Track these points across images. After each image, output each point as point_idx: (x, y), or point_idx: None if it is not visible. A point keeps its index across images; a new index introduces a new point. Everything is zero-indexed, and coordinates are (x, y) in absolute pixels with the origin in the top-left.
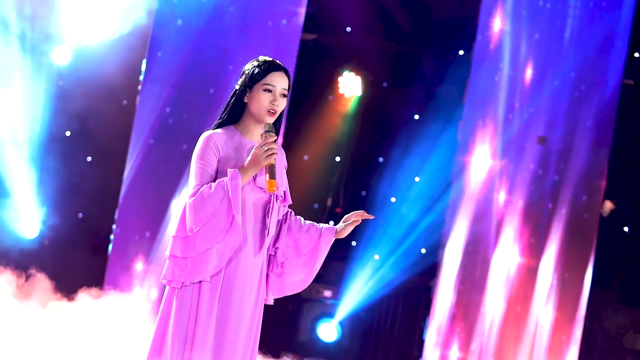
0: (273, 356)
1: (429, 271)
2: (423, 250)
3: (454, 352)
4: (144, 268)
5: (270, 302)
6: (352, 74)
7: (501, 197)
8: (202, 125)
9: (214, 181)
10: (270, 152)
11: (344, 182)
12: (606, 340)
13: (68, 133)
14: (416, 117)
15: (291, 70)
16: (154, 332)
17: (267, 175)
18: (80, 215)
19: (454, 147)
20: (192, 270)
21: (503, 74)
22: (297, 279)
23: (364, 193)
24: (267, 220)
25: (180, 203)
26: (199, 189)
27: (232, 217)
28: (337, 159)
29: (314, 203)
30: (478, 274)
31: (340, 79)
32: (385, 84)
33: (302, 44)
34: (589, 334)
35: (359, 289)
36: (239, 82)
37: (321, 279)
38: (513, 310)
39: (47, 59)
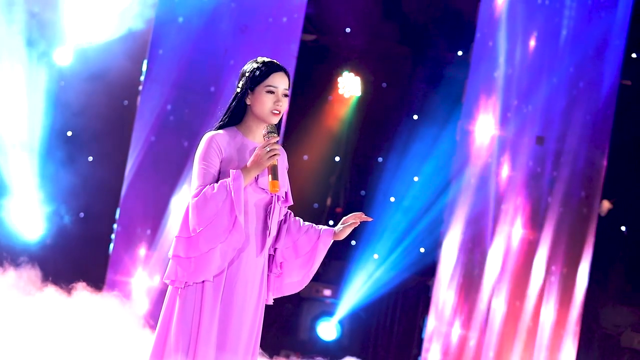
0: (273, 354)
1: (427, 270)
2: (422, 250)
3: (453, 351)
4: (144, 266)
5: (270, 302)
6: (352, 74)
7: (498, 196)
8: (203, 122)
9: (217, 182)
10: (273, 153)
11: (344, 181)
12: (604, 338)
13: (69, 133)
14: (415, 117)
15: (291, 71)
16: (157, 331)
17: (270, 176)
18: (82, 214)
19: (452, 147)
20: (195, 270)
21: (501, 73)
22: (294, 279)
23: (363, 193)
24: (269, 220)
25: (179, 200)
26: (201, 190)
27: (234, 217)
28: (337, 158)
29: (314, 203)
30: (476, 273)
31: (339, 79)
32: (384, 85)
33: (302, 44)
34: (587, 332)
35: (359, 288)
36: (240, 85)
37: (321, 278)
38: (512, 307)
39: (48, 59)
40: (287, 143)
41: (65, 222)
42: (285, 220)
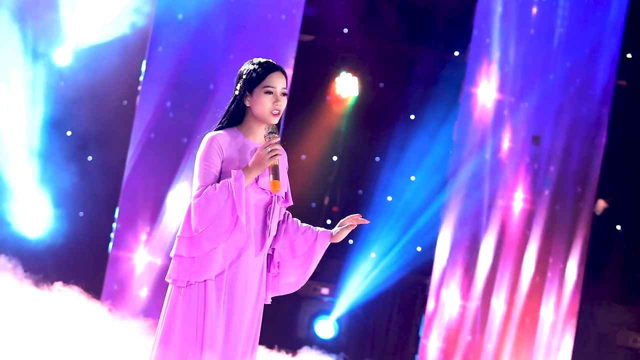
0: (271, 352)
1: (424, 269)
2: (419, 249)
3: (450, 349)
4: (145, 264)
5: (268, 301)
6: (349, 74)
7: (492, 195)
8: (203, 120)
9: (218, 182)
10: (274, 153)
11: (341, 181)
12: (599, 337)
13: (69, 133)
14: (412, 117)
15: (289, 71)
16: (162, 330)
17: (271, 175)
18: (82, 213)
19: (449, 146)
20: (197, 269)
21: (497, 72)
22: (291, 280)
23: (360, 192)
24: (269, 221)
25: (175, 196)
26: (203, 190)
27: (236, 217)
28: (335, 158)
29: (312, 202)
30: (472, 271)
31: (337, 79)
32: (381, 85)
33: (300, 45)
34: (582, 330)
35: (356, 286)
36: (238, 87)
37: (318, 277)
38: (509, 305)
39: (48, 59)
40: (285, 143)
41: (65, 221)
42: (284, 221)
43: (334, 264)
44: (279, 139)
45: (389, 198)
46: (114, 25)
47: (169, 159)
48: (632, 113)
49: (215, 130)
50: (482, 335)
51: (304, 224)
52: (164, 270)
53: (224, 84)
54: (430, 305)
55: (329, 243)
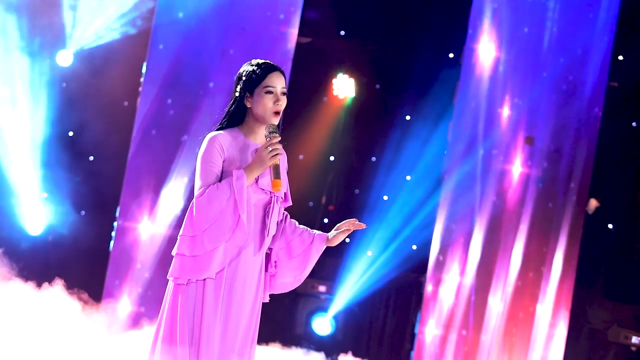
0: (270, 348)
1: (420, 267)
2: (414, 247)
3: (446, 346)
4: (146, 263)
5: (266, 299)
6: (346, 76)
7: (485, 194)
8: (203, 118)
9: (220, 181)
10: (275, 153)
11: (338, 180)
12: (591, 333)
13: (71, 133)
14: (407, 117)
15: (287, 73)
16: (161, 327)
17: (272, 175)
18: (83, 212)
19: (444, 147)
20: (199, 267)
21: (490, 73)
22: (287, 280)
23: (357, 191)
24: (267, 220)
25: (169, 192)
26: (205, 189)
27: (238, 216)
28: (332, 158)
29: (309, 201)
30: (468, 270)
31: (334, 81)
32: (377, 86)
33: (298, 47)
34: (575, 327)
35: (353, 284)
36: (238, 88)
37: (316, 275)
38: (502, 303)
39: (51, 61)
40: (284, 143)
41: (67, 219)
42: (282, 221)
43: (331, 263)
44: (279, 138)
45: (385, 197)
46: (116, 25)
47: (169, 156)
48: (623, 113)
49: (216, 130)
50: (477, 330)
51: (302, 226)
52: (164, 268)
53: (223, 82)
54: (425, 302)
55: (325, 246)
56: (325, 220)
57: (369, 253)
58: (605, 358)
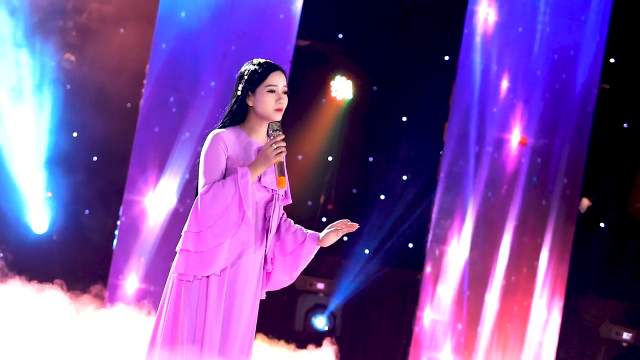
0: (270, 344)
1: (416, 264)
2: (410, 245)
3: (442, 341)
4: (147, 261)
5: (263, 296)
6: (344, 78)
7: (476, 193)
8: (204, 115)
9: (224, 178)
10: (280, 151)
11: (336, 180)
12: (583, 329)
13: (75, 134)
14: (404, 119)
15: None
16: (165, 323)
17: (277, 172)
18: (87, 211)
19: (439, 147)
20: (204, 264)
21: (484, 74)
22: (281, 278)
23: (354, 191)
24: (270, 218)
25: (177, 190)
26: (210, 186)
27: (243, 212)
28: (330, 158)
29: (308, 200)
30: (463, 267)
31: (332, 83)
32: (375, 88)
33: (297, 49)
34: (567, 323)
35: (350, 281)
36: (240, 88)
37: (315, 273)
38: (497, 300)
39: (55, 63)
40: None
41: (71, 218)
42: (280, 219)
43: (329, 261)
44: (283, 136)
45: (382, 196)
46: (118, 27)
47: (171, 153)
48: (614, 114)
49: (220, 127)
50: (472, 324)
51: (297, 225)
52: (163, 265)
53: (224, 80)
54: (421, 298)
55: (318, 247)
56: (324, 219)
57: (366, 251)
58: (597, 354)
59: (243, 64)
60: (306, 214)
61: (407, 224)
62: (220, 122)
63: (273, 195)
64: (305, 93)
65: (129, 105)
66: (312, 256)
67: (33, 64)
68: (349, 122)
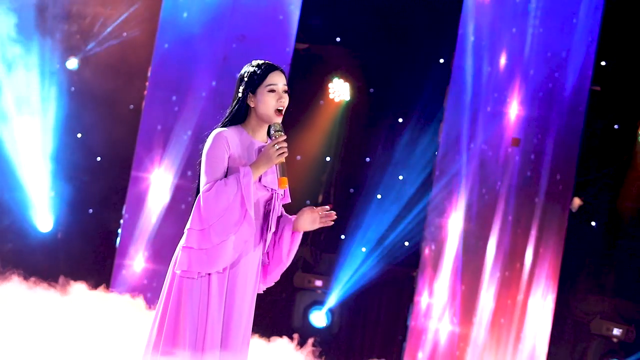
0: (268, 340)
1: (411, 262)
2: (406, 243)
3: (437, 337)
4: (148, 260)
5: (261, 290)
6: (341, 80)
7: (468, 189)
8: (206, 114)
9: (226, 177)
10: (282, 151)
11: (334, 180)
12: (575, 325)
13: (79, 135)
14: (400, 120)
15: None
16: (167, 322)
17: (279, 172)
18: (91, 210)
19: (435, 147)
20: (208, 261)
21: (478, 76)
22: (274, 270)
23: (352, 190)
24: (270, 217)
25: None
26: (213, 185)
27: (245, 210)
28: (328, 159)
29: (306, 200)
30: (458, 265)
31: (330, 85)
32: (371, 90)
33: (295, 52)
34: (559, 319)
35: (348, 279)
36: (240, 89)
37: (313, 270)
38: (490, 296)
39: (60, 66)
40: None
41: (75, 217)
42: (279, 217)
43: (327, 258)
44: (285, 137)
45: (379, 196)
46: (121, 29)
47: (173, 151)
48: (605, 116)
49: (221, 126)
50: (466, 320)
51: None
52: (162, 263)
53: (225, 80)
54: (417, 295)
55: (297, 231)
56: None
57: (363, 249)
58: (588, 349)
59: (243, 66)
60: None
61: (403, 222)
62: (220, 123)
63: (272, 194)
64: (303, 95)
65: (131, 107)
66: (294, 243)
67: (38, 67)
68: (346, 123)
